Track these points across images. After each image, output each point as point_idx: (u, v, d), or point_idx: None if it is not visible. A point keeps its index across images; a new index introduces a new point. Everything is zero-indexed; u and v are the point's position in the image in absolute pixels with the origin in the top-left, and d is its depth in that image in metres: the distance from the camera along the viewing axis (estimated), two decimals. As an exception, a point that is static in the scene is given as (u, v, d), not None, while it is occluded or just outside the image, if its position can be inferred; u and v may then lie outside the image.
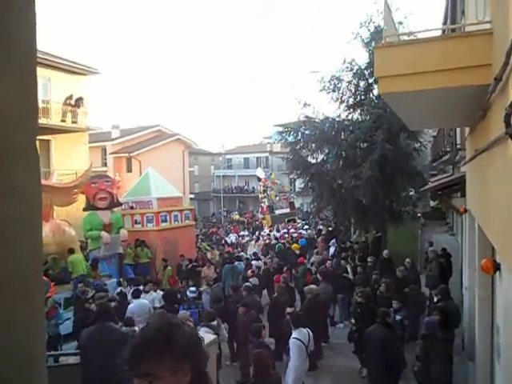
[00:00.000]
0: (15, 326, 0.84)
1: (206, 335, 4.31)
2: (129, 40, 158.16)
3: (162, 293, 9.39)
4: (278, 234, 22.47)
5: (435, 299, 7.32)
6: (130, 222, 15.36)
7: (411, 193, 18.42)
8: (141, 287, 9.49)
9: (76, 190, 12.95)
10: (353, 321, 7.55)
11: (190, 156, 40.89)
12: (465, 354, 7.30)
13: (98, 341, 4.28)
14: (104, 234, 13.42)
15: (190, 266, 13.74)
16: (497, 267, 3.60)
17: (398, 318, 7.62)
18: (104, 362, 3.84)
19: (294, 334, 6.30)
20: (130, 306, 8.36)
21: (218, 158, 56.06)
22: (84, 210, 14.17)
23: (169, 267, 13.25)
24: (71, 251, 11.63)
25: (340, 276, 10.15)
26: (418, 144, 15.87)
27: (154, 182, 16.16)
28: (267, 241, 20.51)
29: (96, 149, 31.28)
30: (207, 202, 52.27)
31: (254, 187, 46.83)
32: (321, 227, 21.70)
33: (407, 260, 10.72)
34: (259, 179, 34.13)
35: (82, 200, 13.98)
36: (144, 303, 8.52)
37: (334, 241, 16.59)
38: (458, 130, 10.22)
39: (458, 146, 9.20)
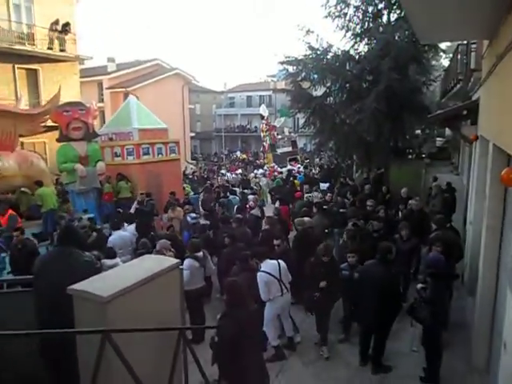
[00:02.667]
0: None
1: (167, 260, 3.80)
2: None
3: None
4: (278, 170, 22.17)
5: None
6: (109, 154, 14.33)
7: (418, 131, 17.57)
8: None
9: (44, 118, 11.97)
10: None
11: (191, 94, 39.66)
12: (465, 288, 6.94)
13: (52, 264, 3.81)
14: (79, 166, 12.66)
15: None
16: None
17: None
18: (56, 287, 3.37)
19: (262, 267, 5.90)
20: (110, 238, 8.01)
21: (221, 97, 54.51)
22: (57, 140, 13.31)
23: (152, 201, 12.38)
24: (39, 184, 10.92)
25: (337, 210, 9.67)
26: (428, 78, 14.80)
27: (136, 112, 14.89)
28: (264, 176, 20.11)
29: (92, 83, 30.31)
30: (209, 142, 51.52)
31: (256, 126, 45.80)
32: (322, 163, 21.18)
33: (414, 200, 9.38)
34: (262, 117, 33.01)
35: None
36: (125, 235, 8.16)
37: (325, 185, 16.01)
38: (473, 54, 9.40)
39: (473, 67, 8.39)
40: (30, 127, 11.57)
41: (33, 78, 18.62)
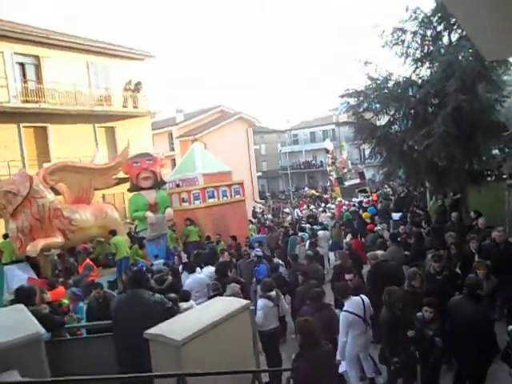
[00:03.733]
0: None
1: (238, 301, 3.82)
2: (182, 24, 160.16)
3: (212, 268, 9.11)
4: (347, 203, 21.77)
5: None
6: (177, 200, 15.00)
7: (495, 151, 16.49)
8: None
9: (115, 171, 12.72)
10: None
11: (255, 135, 40.79)
12: None
13: (127, 307, 4.00)
14: (149, 214, 13.28)
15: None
16: None
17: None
18: (132, 329, 3.53)
19: (345, 307, 5.66)
20: (187, 282, 8.22)
21: (284, 135, 55.40)
22: (129, 190, 14.19)
23: (221, 242, 12.78)
24: (113, 233, 11.58)
25: (415, 241, 9.16)
26: (500, 94, 14.01)
27: (200, 158, 15.57)
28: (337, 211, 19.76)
29: (163, 134, 32.33)
30: (276, 180, 52.09)
31: (321, 161, 45.72)
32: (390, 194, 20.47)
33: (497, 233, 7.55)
34: (327, 151, 32.99)
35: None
36: (201, 278, 8.34)
37: (397, 215, 15.35)
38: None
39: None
40: (104, 180, 12.36)
41: (110, 135, 20.34)
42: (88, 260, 10.41)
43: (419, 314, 5.30)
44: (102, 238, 12.20)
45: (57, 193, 11.80)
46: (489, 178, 14.65)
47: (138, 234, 13.53)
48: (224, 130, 32.03)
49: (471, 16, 3.92)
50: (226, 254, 10.12)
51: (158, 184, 14.35)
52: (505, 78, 17.53)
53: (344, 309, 5.67)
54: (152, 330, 3.33)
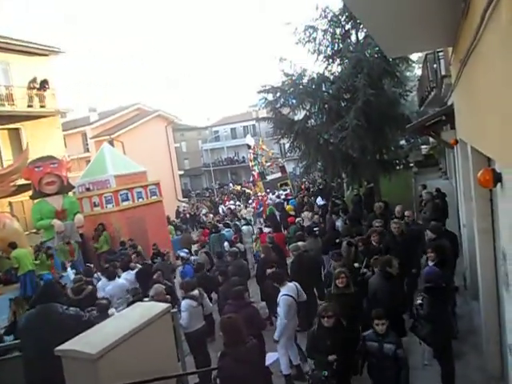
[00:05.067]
0: None
1: (157, 306, 3.69)
2: (94, 17, 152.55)
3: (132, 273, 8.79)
4: (273, 197, 22.23)
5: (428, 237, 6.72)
6: (88, 205, 14.07)
7: (402, 142, 17.75)
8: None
9: (13, 177, 11.63)
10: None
11: (175, 133, 40.01)
12: (468, 293, 6.82)
13: (37, 324, 3.69)
14: (56, 221, 12.33)
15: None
16: (497, 178, 2.98)
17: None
18: (43, 347, 3.25)
19: (283, 291, 5.92)
20: (107, 288, 7.84)
21: (205, 132, 55.05)
22: (31, 197, 13.06)
23: (139, 247, 11.93)
24: (13, 246, 10.50)
25: (329, 230, 9.60)
26: (403, 89, 15.10)
27: (111, 159, 14.65)
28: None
29: (76, 135, 30.62)
30: (199, 178, 51.68)
31: (243, 157, 46.13)
32: (308, 185, 21.28)
33: (406, 213, 8.48)
34: (249, 147, 33.14)
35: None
36: (122, 283, 8.00)
37: (319, 198, 16.04)
38: (442, 61, 9.64)
39: (443, 74, 8.55)
40: (1, 188, 11.27)
41: (16, 138, 18.69)
42: None
43: (366, 332, 4.85)
44: (2, 251, 11.00)
45: None
46: (398, 167, 15.79)
47: (44, 244, 12.43)
48: (142, 129, 31.02)
49: (370, 16, 4.13)
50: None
51: (65, 189, 13.27)
52: (407, 73, 18.93)
53: (283, 293, 5.91)
54: (63, 346, 3.07)
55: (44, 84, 19.36)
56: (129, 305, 5.20)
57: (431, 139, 22.82)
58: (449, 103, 8.32)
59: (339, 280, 5.53)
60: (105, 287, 8.00)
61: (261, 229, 12.00)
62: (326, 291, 6.33)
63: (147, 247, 12.08)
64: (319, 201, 15.71)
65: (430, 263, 5.71)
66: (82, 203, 13.90)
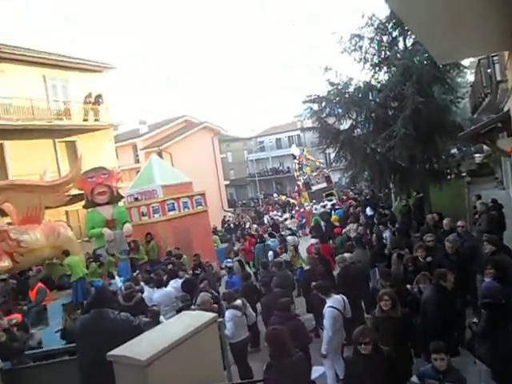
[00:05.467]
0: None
1: (204, 315, 3.73)
2: (144, 34, 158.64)
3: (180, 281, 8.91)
4: (318, 207, 22.00)
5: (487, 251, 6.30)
6: (136, 214, 14.42)
7: (453, 150, 17.07)
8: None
9: (67, 187, 12.01)
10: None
11: (221, 144, 40.71)
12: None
13: (91, 329, 3.84)
14: (106, 230, 12.75)
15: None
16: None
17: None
18: (97, 351, 3.37)
19: (329, 303, 5.82)
20: (155, 296, 8.03)
21: (250, 142, 55.59)
22: (84, 207, 13.57)
23: (184, 256, 12.18)
24: (66, 253, 10.94)
25: (377, 242, 9.31)
26: (455, 96, 14.56)
27: (159, 170, 15.09)
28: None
29: (127, 147, 31.83)
30: (244, 188, 52.11)
31: (288, 167, 46.08)
32: (356, 196, 20.89)
33: (459, 223, 7.88)
34: (294, 157, 33.25)
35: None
36: (169, 291, 8.16)
37: (369, 208, 15.68)
38: (497, 66, 9.22)
39: (499, 79, 8.17)
40: (55, 198, 11.63)
41: (72, 150, 19.72)
42: (40, 283, 9.77)
43: (423, 368, 4.38)
44: (56, 258, 11.52)
45: (3, 214, 11.17)
46: (449, 177, 15.19)
47: (96, 252, 12.92)
48: (189, 140, 31.80)
49: (419, 22, 4.03)
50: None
51: (115, 199, 13.79)
52: (458, 80, 18.23)
53: (328, 305, 5.82)
54: (115, 351, 3.18)
55: (98, 98, 20.41)
56: (178, 311, 5.28)
57: (485, 147, 21.85)
58: (505, 109, 7.93)
59: (383, 302, 5.12)
60: (151, 296, 8.20)
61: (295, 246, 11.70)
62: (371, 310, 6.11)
63: (192, 257, 12.17)
64: (368, 211, 15.38)
65: (487, 279, 5.40)
66: (130, 213, 14.33)
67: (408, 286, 6.34)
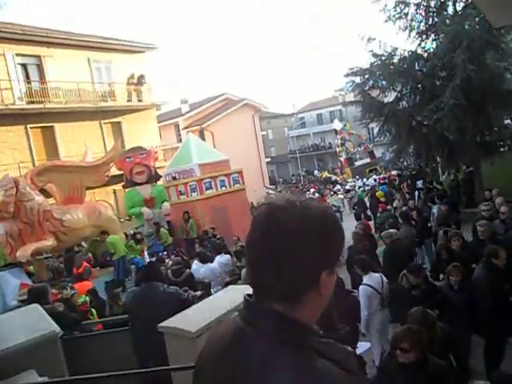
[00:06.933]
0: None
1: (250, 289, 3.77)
2: (182, 14, 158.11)
3: (226, 256, 9.04)
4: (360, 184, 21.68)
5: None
6: (174, 193, 14.32)
7: (507, 121, 16.11)
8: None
9: (107, 167, 12.15)
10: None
11: (262, 121, 40.48)
12: None
13: (142, 301, 4.01)
14: (145, 209, 13.02)
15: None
16: None
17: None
18: (148, 322, 3.52)
19: (364, 280, 5.59)
20: (201, 271, 8.21)
21: (291, 119, 54.94)
22: (123, 187, 13.83)
23: (217, 235, 11.99)
24: (105, 233, 11.15)
25: (425, 218, 9.03)
26: (510, 62, 13.65)
27: (196, 148, 14.96)
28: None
29: (169, 126, 32.27)
30: (285, 165, 51.86)
31: (330, 143, 45.30)
32: (400, 172, 20.30)
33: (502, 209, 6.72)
34: (336, 132, 32.67)
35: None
36: (214, 267, 8.32)
37: (420, 182, 15.20)
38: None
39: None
40: (96, 178, 11.83)
41: (117, 130, 20.32)
42: (85, 263, 9.91)
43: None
44: (97, 237, 11.79)
45: (47, 194, 11.48)
46: (502, 149, 14.37)
47: (136, 231, 13.07)
48: (230, 118, 31.81)
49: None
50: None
51: (153, 178, 14.03)
52: (514, 45, 17.02)
53: (363, 282, 5.64)
54: (166, 323, 3.31)
55: (141, 79, 20.78)
56: (227, 285, 5.40)
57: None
58: None
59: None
60: (197, 272, 8.39)
61: None
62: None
63: (229, 236, 12.11)
64: (419, 183, 14.94)
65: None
66: (168, 192, 14.41)
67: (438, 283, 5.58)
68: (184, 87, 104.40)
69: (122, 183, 15.34)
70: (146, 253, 11.66)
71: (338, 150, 31.47)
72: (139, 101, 20.96)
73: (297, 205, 0.95)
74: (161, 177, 14.94)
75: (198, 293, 5.47)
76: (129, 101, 20.50)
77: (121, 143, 19.76)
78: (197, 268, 8.49)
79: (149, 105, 21.67)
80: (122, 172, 14.76)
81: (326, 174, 37.27)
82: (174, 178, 14.72)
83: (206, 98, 36.66)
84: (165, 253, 11.70)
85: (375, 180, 22.09)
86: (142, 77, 20.81)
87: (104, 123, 19.87)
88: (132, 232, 12.93)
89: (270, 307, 0.95)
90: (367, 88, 14.91)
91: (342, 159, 30.51)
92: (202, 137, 31.49)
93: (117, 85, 20.09)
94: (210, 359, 1.06)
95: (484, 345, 5.06)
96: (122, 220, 14.49)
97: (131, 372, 3.40)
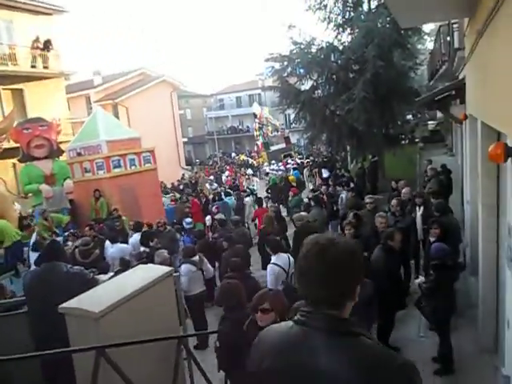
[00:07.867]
0: None
1: (160, 268, 3.73)
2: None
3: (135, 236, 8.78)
4: (275, 168, 22.23)
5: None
6: (79, 170, 13.28)
7: (409, 117, 17.51)
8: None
9: None
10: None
11: (180, 99, 39.52)
12: (467, 269, 6.87)
13: (42, 282, 3.75)
14: (44, 186, 11.93)
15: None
16: (509, 152, 2.93)
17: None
18: (48, 304, 3.31)
19: (273, 260, 5.78)
20: (110, 251, 7.91)
21: (210, 100, 54.35)
22: (19, 161, 12.57)
23: (123, 217, 11.15)
24: None
25: (334, 202, 9.58)
26: (414, 62, 14.79)
27: (104, 124, 13.83)
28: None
29: (79, 98, 30.24)
30: (202, 146, 51.43)
31: (248, 126, 45.72)
32: (313, 158, 21.23)
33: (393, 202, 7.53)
34: (255, 115, 32.84)
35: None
36: (125, 247, 8.06)
37: (325, 170, 16.00)
38: (456, 34, 9.40)
39: (457, 46, 8.34)
40: None
41: (19, 98, 18.50)
42: None
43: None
44: None
45: None
46: (403, 142, 15.65)
47: (36, 209, 11.95)
48: (146, 94, 30.61)
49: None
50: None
51: (55, 153, 12.83)
52: (418, 46, 18.44)
53: (272, 262, 5.80)
54: (67, 304, 3.13)
55: (47, 44, 19.04)
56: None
57: (438, 115, 22.59)
58: (460, 77, 8.15)
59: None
60: (106, 251, 8.06)
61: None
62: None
63: (139, 216, 11.55)
64: (324, 173, 15.67)
65: (432, 239, 5.71)
66: (72, 168, 13.37)
67: None
68: (98, 59, 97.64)
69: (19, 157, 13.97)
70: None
71: (255, 133, 31.77)
72: (45, 67, 19.23)
73: (340, 243, 1.37)
74: (63, 152, 13.74)
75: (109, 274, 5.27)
76: (33, 66, 18.69)
77: (23, 113, 18.15)
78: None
79: (56, 73, 19.96)
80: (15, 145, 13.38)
81: (243, 157, 37.52)
82: (79, 154, 13.58)
83: (121, 71, 34.88)
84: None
85: (291, 164, 22.80)
86: (48, 41, 19.05)
87: (2, 89, 17.95)
88: (38, 210, 11.82)
89: (328, 313, 1.34)
90: (286, 74, 15.20)
91: (258, 143, 30.89)
92: (116, 112, 29.95)
93: (19, 48, 18.20)
94: (280, 359, 1.39)
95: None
96: (16, 197, 13.20)
97: (27, 355, 3.21)
